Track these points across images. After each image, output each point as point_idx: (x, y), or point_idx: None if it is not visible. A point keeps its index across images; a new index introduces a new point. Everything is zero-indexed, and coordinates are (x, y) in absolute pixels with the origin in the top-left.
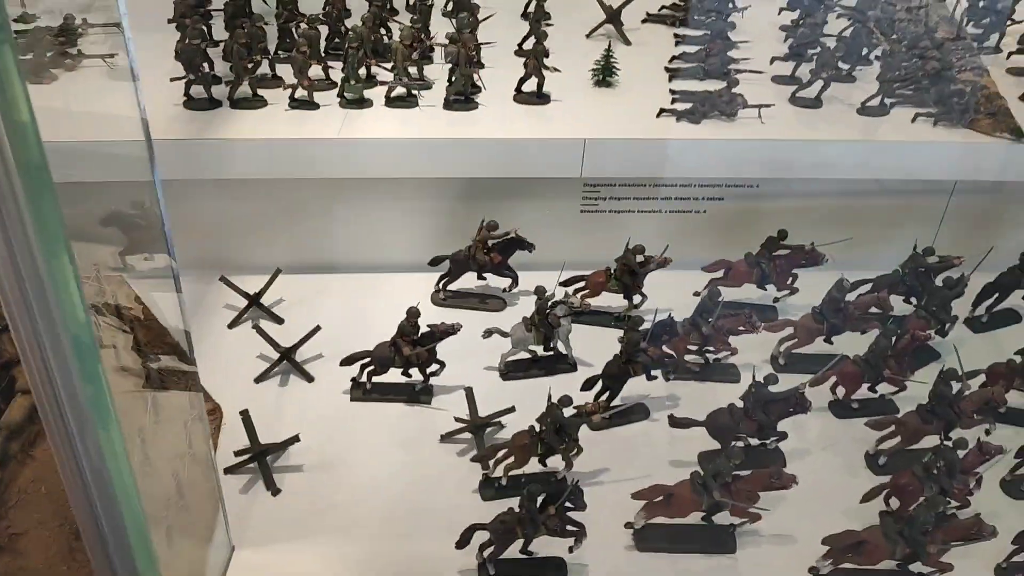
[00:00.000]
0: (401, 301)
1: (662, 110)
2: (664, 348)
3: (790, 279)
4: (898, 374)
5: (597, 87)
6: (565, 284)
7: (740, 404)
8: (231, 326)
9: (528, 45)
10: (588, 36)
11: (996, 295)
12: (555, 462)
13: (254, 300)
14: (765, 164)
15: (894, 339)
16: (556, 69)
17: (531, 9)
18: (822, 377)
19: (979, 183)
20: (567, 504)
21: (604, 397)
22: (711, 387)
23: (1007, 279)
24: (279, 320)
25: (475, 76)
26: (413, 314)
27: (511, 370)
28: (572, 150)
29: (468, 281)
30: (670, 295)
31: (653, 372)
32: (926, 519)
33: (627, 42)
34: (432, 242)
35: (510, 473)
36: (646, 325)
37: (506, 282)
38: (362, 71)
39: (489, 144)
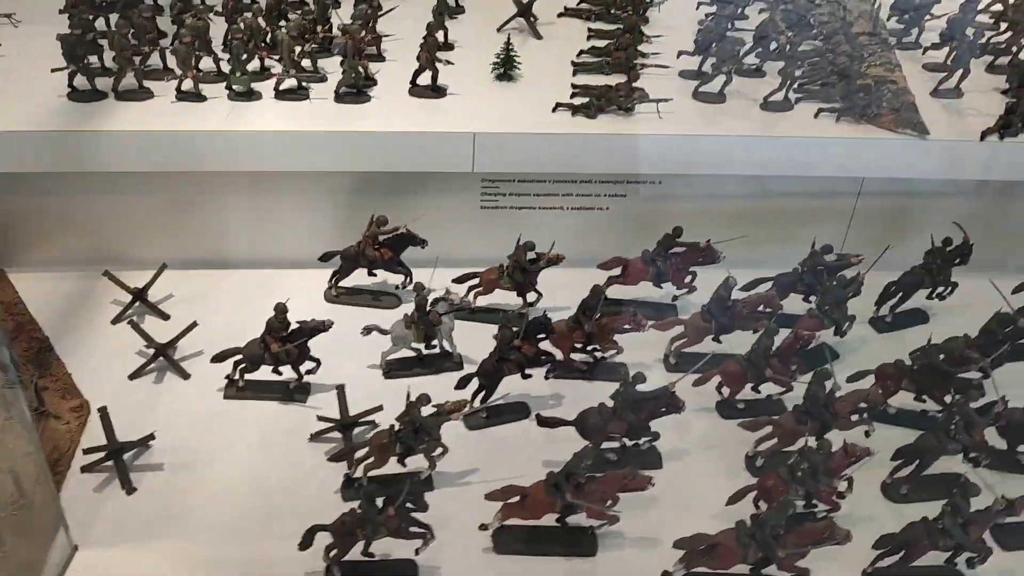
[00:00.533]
0: (294, 298)
1: (558, 105)
2: (543, 346)
3: (688, 277)
4: (782, 374)
5: (498, 81)
6: (458, 281)
7: (610, 404)
8: (114, 322)
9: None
10: (499, 30)
11: (900, 294)
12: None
13: (138, 296)
14: (664, 160)
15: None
16: (449, 62)
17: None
18: (705, 377)
19: (887, 180)
20: (408, 505)
21: (480, 396)
22: (599, 386)
23: (910, 278)
24: (165, 316)
25: (363, 68)
26: (280, 310)
27: (394, 368)
28: (462, 144)
29: (365, 277)
30: (570, 293)
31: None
32: (776, 522)
33: (538, 36)
34: (327, 237)
35: (370, 473)
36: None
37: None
38: (256, 63)
39: (376, 137)
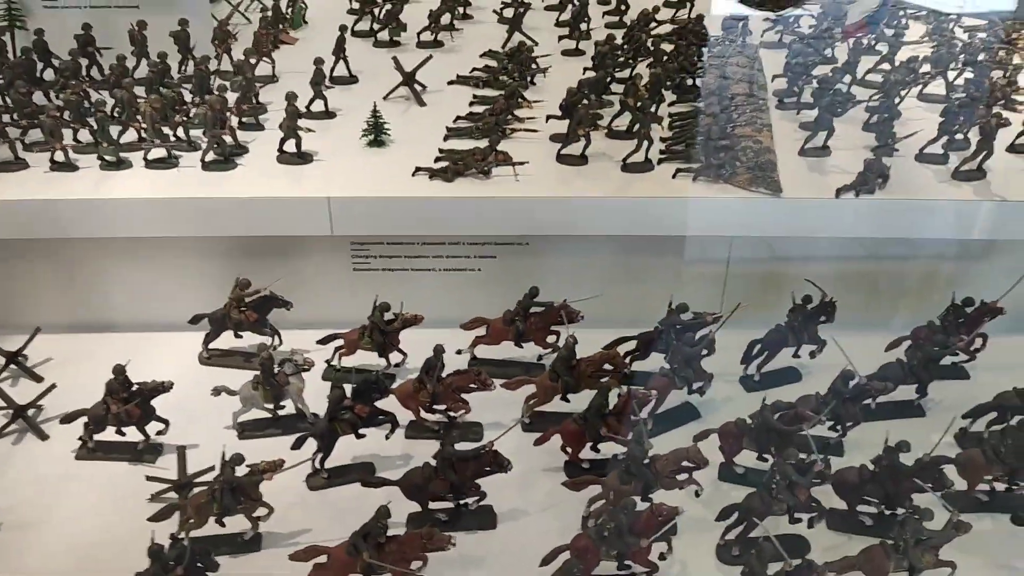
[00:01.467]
0: (169, 359)
1: (417, 169)
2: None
3: (551, 337)
4: (619, 432)
5: (370, 147)
6: (323, 342)
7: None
8: None
9: (316, 107)
10: (385, 98)
11: (765, 353)
12: None
13: (11, 358)
14: (524, 222)
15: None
16: (310, 130)
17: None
18: (545, 436)
19: (757, 239)
20: (198, 565)
21: (319, 456)
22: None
23: (773, 337)
24: (38, 379)
25: (233, 135)
26: (118, 371)
27: (248, 429)
28: (318, 209)
29: (251, 337)
30: (420, 353)
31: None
32: None
33: (421, 103)
34: (202, 300)
35: (191, 533)
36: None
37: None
38: (133, 133)
39: (236, 203)
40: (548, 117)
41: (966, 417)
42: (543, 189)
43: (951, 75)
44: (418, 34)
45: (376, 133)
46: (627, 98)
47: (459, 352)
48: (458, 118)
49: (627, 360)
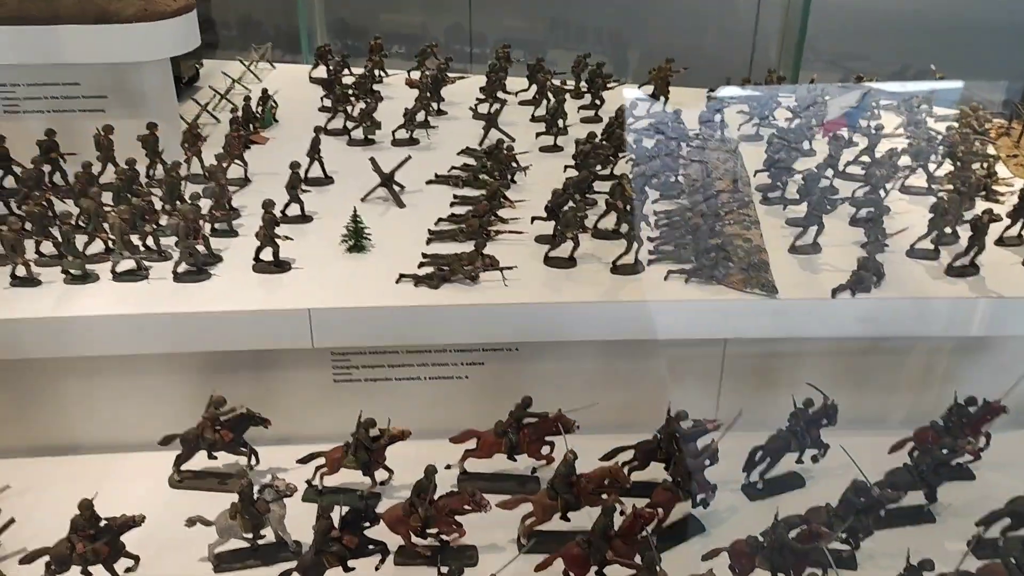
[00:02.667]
0: (137, 482)
1: (401, 276)
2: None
3: (545, 448)
4: (625, 555)
5: (349, 253)
6: (303, 461)
7: None
8: None
9: (292, 211)
10: (363, 200)
11: (767, 459)
12: None
13: None
14: (513, 328)
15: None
16: (288, 238)
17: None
18: (547, 561)
19: (751, 340)
20: None
21: None
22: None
23: (775, 443)
24: None
25: (206, 245)
26: (85, 507)
27: (225, 561)
28: (298, 321)
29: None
30: (405, 468)
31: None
32: None
33: (400, 205)
34: (173, 419)
35: None
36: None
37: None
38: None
39: (211, 317)
40: (533, 219)
41: (979, 524)
42: (532, 294)
43: (931, 167)
44: (393, 132)
45: (356, 238)
46: (613, 198)
47: (448, 467)
48: (440, 220)
49: (627, 472)
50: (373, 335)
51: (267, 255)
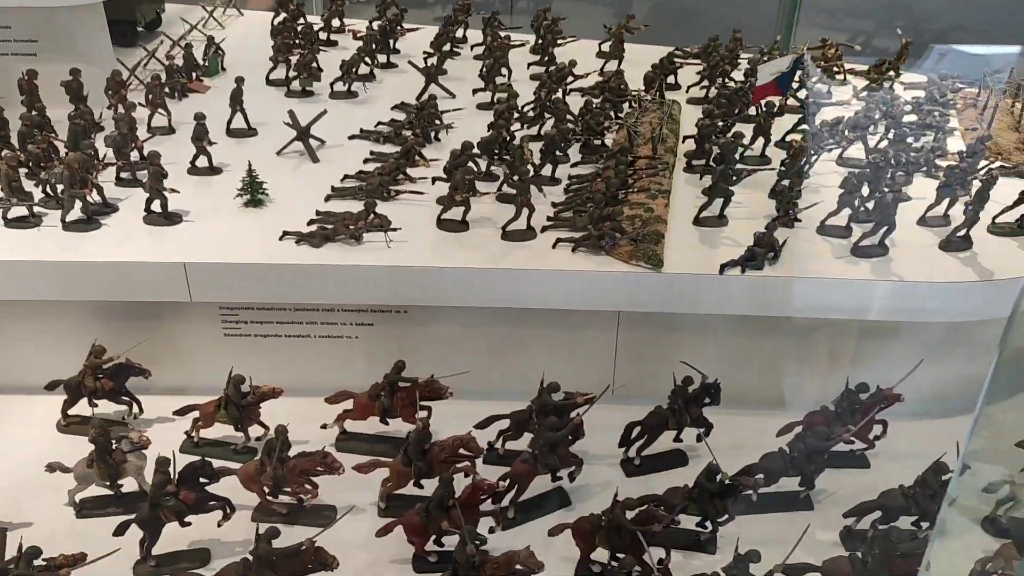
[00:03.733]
0: (27, 424)
1: (285, 233)
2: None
3: (421, 412)
4: (460, 527)
5: (246, 208)
6: (179, 413)
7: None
8: None
9: (201, 163)
10: (279, 153)
11: (645, 436)
12: None
13: None
14: (394, 291)
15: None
16: (174, 190)
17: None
18: (389, 527)
19: (646, 314)
20: None
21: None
22: (301, 531)
23: (653, 419)
24: None
25: (100, 194)
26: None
27: (87, 507)
28: (174, 274)
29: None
30: (308, 426)
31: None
32: None
33: (315, 159)
34: (66, 363)
35: None
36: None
37: None
38: None
39: (93, 267)
40: (434, 179)
41: (847, 516)
42: (416, 257)
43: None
44: (331, 84)
45: (252, 193)
46: (510, 162)
47: (324, 427)
48: (346, 177)
49: (501, 441)
50: (252, 292)
51: (158, 207)
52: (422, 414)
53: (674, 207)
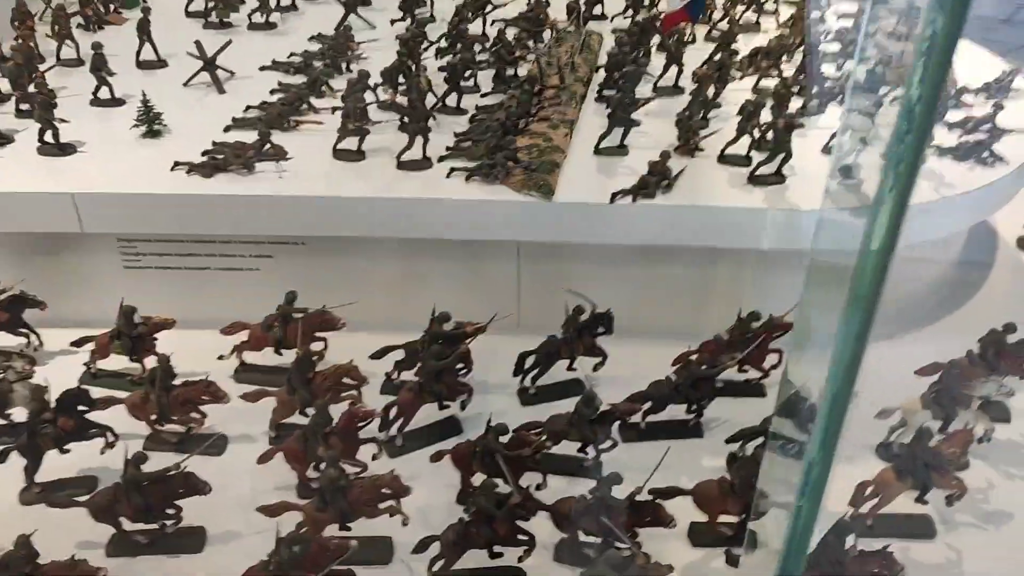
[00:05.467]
0: None
1: (176, 164)
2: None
3: (317, 344)
4: (340, 456)
5: (144, 138)
6: (76, 344)
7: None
8: None
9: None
10: (186, 84)
11: (539, 366)
12: None
13: None
14: (289, 221)
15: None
16: (63, 120)
17: None
18: (269, 453)
19: (550, 245)
20: None
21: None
22: (194, 460)
23: (545, 348)
24: None
25: None
26: None
27: None
28: (63, 205)
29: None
30: (200, 358)
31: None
32: None
33: (221, 91)
34: None
35: None
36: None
37: None
38: None
39: None
40: (333, 110)
41: (729, 441)
42: (306, 187)
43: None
44: (249, 15)
45: (149, 123)
46: (408, 89)
47: (220, 358)
48: (248, 107)
49: (396, 371)
50: (144, 223)
51: (50, 137)
52: (318, 345)
53: (579, 138)
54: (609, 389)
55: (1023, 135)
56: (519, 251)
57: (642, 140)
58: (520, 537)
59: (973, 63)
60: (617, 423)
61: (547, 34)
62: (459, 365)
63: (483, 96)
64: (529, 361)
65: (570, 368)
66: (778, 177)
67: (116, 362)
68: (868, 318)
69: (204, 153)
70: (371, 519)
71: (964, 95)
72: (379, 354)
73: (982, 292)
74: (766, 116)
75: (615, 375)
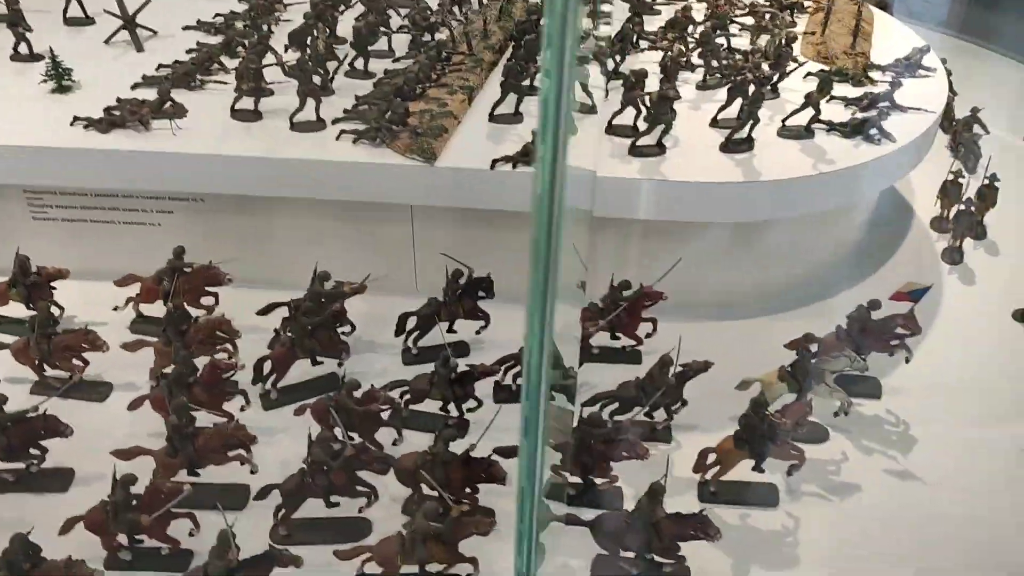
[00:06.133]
0: None
1: (75, 119)
2: None
3: (207, 298)
4: (206, 404)
5: (53, 94)
6: None
7: None
8: None
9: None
10: (106, 42)
11: (419, 328)
12: None
13: None
14: (183, 178)
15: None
16: None
17: None
18: (136, 402)
19: (442, 209)
20: None
21: None
22: (76, 404)
23: (425, 310)
24: None
25: None
26: None
27: None
28: None
29: None
30: (103, 309)
31: None
32: None
33: (139, 49)
34: None
35: None
36: None
37: None
38: None
39: None
40: (236, 71)
41: (586, 405)
42: (198, 145)
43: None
44: None
45: (58, 79)
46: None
47: (115, 309)
48: (160, 66)
49: (284, 328)
50: (45, 176)
51: None
52: (209, 300)
53: (483, 105)
54: (494, 352)
55: (922, 113)
56: (412, 214)
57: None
58: (360, 488)
59: (895, 39)
60: (493, 385)
61: (475, 2)
62: (340, 324)
63: (395, 61)
64: (411, 323)
65: (450, 330)
66: (658, 148)
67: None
68: (546, 278)
69: (105, 110)
70: (219, 466)
71: (873, 71)
72: (266, 310)
73: (889, 265)
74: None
75: (501, 339)
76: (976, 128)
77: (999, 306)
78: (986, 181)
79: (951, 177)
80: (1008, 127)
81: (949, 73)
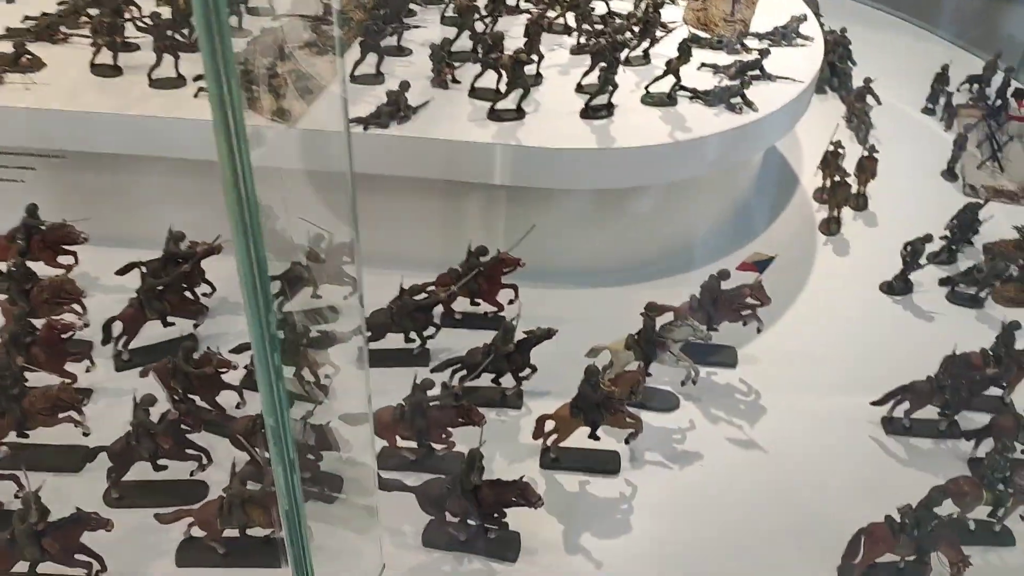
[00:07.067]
0: None
1: None
2: None
3: (65, 257)
4: (43, 364)
5: None
6: None
7: None
8: None
9: None
10: None
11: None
12: None
13: None
14: (35, 133)
15: None
16: None
17: None
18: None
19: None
20: None
21: None
22: None
23: (290, 275)
24: None
25: None
26: None
27: None
28: None
29: None
30: None
31: None
32: None
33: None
34: None
35: None
36: None
37: None
38: None
39: None
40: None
41: (435, 370)
42: (51, 100)
43: None
44: None
45: None
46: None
47: None
48: (26, 18)
49: (139, 297)
50: None
51: None
52: (68, 259)
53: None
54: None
55: (791, 83)
56: (281, 177)
57: (404, 70)
58: (189, 452)
59: (780, 7)
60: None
61: None
62: (195, 285)
63: (274, 20)
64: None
65: (315, 296)
66: (517, 113)
67: None
68: (248, 243)
69: None
70: (49, 428)
71: (749, 39)
72: (124, 270)
73: (765, 235)
74: None
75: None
76: (869, 99)
77: (869, 278)
78: (865, 152)
79: (831, 148)
80: (911, 100)
81: (848, 43)
